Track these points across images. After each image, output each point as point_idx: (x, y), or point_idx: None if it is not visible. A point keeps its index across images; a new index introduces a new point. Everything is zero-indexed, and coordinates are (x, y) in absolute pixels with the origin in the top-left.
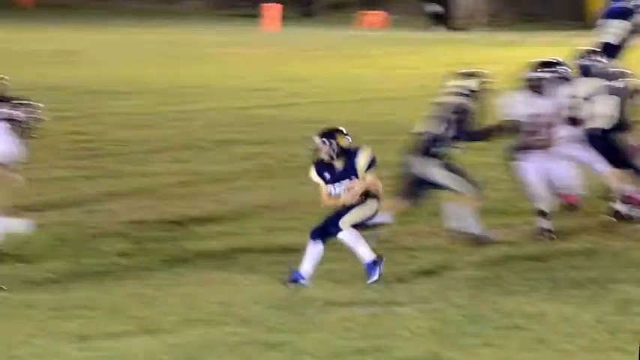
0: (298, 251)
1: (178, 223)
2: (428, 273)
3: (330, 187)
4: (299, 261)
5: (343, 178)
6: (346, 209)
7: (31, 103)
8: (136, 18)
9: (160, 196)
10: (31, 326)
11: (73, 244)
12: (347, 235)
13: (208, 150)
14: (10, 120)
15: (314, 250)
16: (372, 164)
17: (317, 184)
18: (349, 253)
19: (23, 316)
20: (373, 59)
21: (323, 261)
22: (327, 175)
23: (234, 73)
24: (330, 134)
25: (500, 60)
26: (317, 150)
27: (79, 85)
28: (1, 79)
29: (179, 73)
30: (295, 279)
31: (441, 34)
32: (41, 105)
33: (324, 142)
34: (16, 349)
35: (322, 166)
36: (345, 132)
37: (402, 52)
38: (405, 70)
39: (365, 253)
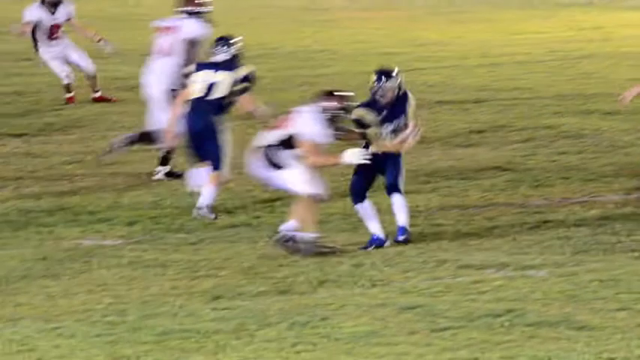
0: (429, 214)
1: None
2: (559, 237)
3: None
4: (431, 223)
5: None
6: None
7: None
8: None
9: None
10: (166, 286)
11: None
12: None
13: None
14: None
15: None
16: None
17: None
18: (483, 216)
19: (157, 275)
20: (501, 23)
21: (453, 225)
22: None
23: (361, 37)
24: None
25: (634, 23)
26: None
27: None
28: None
29: (306, 37)
30: (372, 243)
31: None
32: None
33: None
34: (151, 307)
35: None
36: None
37: (531, 17)
38: (535, 35)
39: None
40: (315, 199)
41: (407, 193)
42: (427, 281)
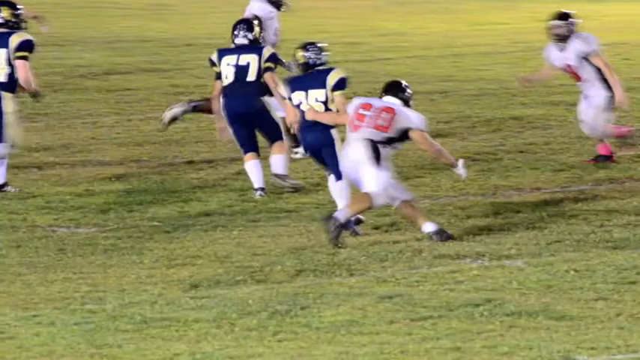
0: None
1: (282, 176)
2: (533, 227)
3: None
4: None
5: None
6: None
7: None
8: None
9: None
10: (142, 274)
11: (178, 196)
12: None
13: None
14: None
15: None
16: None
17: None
18: (455, 206)
19: (134, 263)
20: (463, 14)
21: (426, 215)
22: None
23: (325, 27)
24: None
25: (594, 16)
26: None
27: (171, 38)
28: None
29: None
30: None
31: None
32: None
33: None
34: (129, 295)
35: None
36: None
37: (493, 8)
38: (497, 26)
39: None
40: (408, 201)
41: None
42: (404, 271)
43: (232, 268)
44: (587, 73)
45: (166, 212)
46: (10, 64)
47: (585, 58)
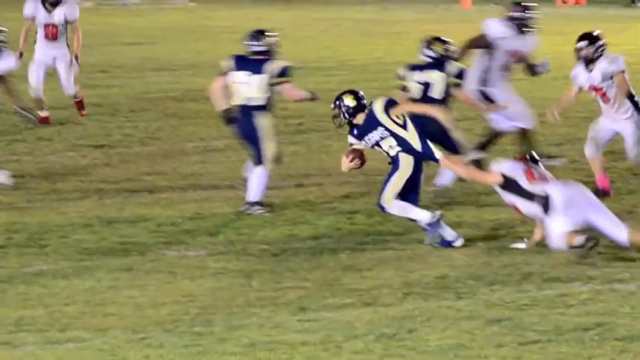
0: (511, 227)
1: None
2: None
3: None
4: (514, 236)
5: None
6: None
7: None
8: None
9: (368, 171)
10: (251, 296)
11: (287, 218)
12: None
13: None
14: None
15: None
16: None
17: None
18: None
19: (242, 286)
20: (572, 36)
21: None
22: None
23: None
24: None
25: None
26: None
27: None
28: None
29: (378, 50)
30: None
31: None
32: None
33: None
34: (237, 318)
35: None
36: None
37: (601, 30)
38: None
39: (420, 215)
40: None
41: (491, 205)
42: (513, 294)
43: (340, 291)
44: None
45: (275, 235)
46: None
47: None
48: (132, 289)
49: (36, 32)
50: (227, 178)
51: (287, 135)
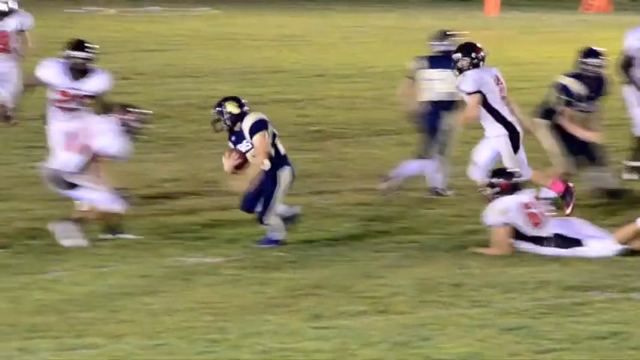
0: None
1: (406, 205)
2: None
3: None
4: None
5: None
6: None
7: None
8: (358, 2)
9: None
10: (266, 304)
11: (304, 225)
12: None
13: None
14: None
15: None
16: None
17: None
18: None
19: (257, 293)
20: (595, 43)
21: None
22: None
23: None
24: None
25: None
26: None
27: (302, 69)
28: None
29: (401, 57)
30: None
31: None
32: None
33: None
34: (251, 325)
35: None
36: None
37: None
38: None
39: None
40: None
41: None
42: (528, 302)
43: (355, 299)
44: None
45: (291, 242)
46: None
47: None
48: (147, 295)
49: None
50: (244, 186)
51: (305, 142)
